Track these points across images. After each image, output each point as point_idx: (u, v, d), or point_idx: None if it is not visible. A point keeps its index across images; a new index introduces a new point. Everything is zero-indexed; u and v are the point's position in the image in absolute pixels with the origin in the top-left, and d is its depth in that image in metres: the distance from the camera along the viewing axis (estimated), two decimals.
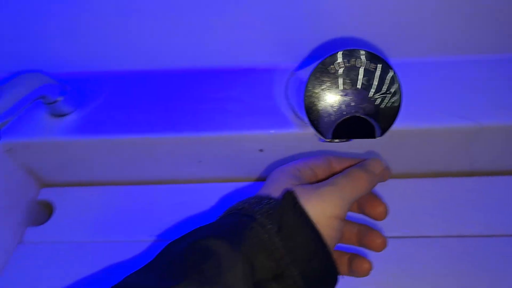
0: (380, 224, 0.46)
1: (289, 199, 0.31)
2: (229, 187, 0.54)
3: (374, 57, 0.34)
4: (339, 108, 0.34)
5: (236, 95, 0.51)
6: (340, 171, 0.38)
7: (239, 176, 0.55)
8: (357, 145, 0.49)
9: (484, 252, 0.46)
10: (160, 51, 0.53)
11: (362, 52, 0.34)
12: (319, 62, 0.34)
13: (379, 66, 0.34)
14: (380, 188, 0.51)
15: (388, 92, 0.34)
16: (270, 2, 0.45)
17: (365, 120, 0.34)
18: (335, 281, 0.32)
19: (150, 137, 0.49)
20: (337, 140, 0.35)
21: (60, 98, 0.49)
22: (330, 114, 0.35)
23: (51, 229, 0.54)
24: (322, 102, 0.34)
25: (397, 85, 0.35)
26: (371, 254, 0.40)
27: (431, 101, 0.47)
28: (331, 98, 0.34)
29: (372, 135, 0.35)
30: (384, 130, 0.35)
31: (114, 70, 0.55)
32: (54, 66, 0.54)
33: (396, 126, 0.45)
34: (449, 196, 0.51)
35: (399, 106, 0.35)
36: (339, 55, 0.34)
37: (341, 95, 0.34)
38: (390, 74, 0.35)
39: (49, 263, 0.50)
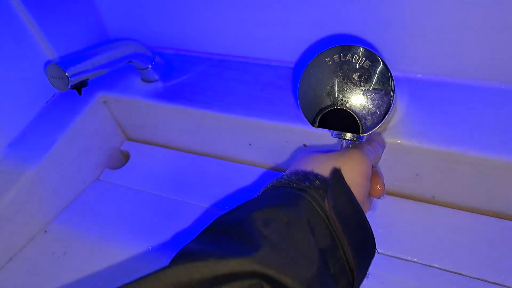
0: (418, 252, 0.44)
1: (338, 177, 0.33)
2: (272, 174, 0.58)
3: (371, 55, 0.34)
4: (328, 99, 0.35)
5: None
6: None
7: (283, 167, 0.57)
8: (402, 160, 0.48)
9: None
10: (240, 40, 0.59)
11: (360, 49, 0.34)
12: (318, 54, 0.35)
13: (375, 64, 0.34)
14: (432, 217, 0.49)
15: (379, 91, 0.34)
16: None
17: (352, 115, 0.35)
18: (374, 249, 0.34)
19: (213, 113, 0.55)
20: (348, 136, 0.36)
21: (149, 66, 0.58)
22: (318, 104, 0.36)
23: (123, 175, 0.63)
24: (313, 92, 0.36)
25: (391, 85, 0.34)
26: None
27: (498, 131, 0.44)
28: (321, 89, 0.35)
29: (357, 131, 0.35)
30: (369, 128, 0.35)
31: (202, 51, 0.63)
32: (156, 41, 0.64)
33: (448, 149, 0.44)
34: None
35: (388, 106, 0.34)
36: (337, 49, 0.35)
37: (331, 87, 0.35)
38: (385, 73, 0.34)
39: (115, 201, 0.60)
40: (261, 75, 0.57)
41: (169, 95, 0.58)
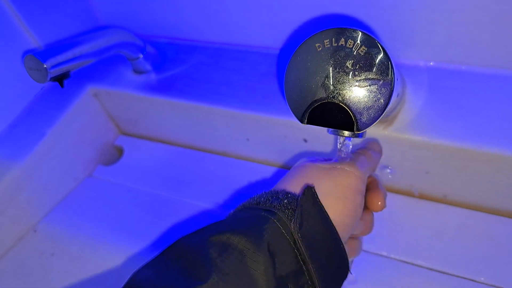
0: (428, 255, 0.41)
1: (309, 195, 0.31)
2: (271, 170, 0.54)
3: (368, 39, 0.29)
4: (317, 91, 0.31)
5: None
6: None
7: (282, 163, 0.54)
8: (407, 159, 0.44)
9: None
10: (237, 27, 0.55)
11: (355, 32, 0.29)
12: (306, 39, 0.31)
13: (372, 50, 0.29)
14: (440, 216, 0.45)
15: (377, 81, 0.29)
16: None
17: (345, 110, 0.30)
18: (347, 271, 0.33)
19: (208, 106, 0.52)
20: (346, 133, 0.32)
21: (140, 56, 0.54)
22: (307, 97, 0.31)
23: (117, 171, 0.61)
24: (301, 83, 0.31)
25: (390, 75, 0.29)
26: None
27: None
28: (310, 80, 0.31)
29: (351, 128, 0.31)
30: (366, 125, 0.31)
31: (197, 40, 0.59)
32: (149, 29, 0.61)
33: (461, 144, 0.40)
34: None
35: (388, 99, 0.30)
36: (328, 33, 0.30)
37: (321, 77, 0.30)
38: (384, 61, 0.29)
39: (108, 199, 0.57)
40: (260, 64, 0.54)
41: (162, 88, 0.55)
